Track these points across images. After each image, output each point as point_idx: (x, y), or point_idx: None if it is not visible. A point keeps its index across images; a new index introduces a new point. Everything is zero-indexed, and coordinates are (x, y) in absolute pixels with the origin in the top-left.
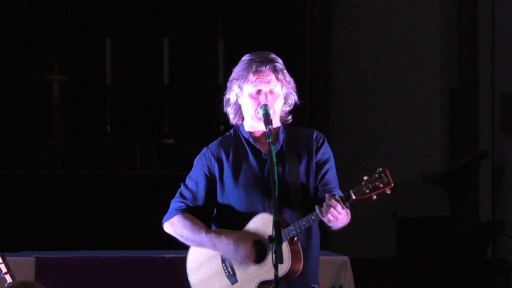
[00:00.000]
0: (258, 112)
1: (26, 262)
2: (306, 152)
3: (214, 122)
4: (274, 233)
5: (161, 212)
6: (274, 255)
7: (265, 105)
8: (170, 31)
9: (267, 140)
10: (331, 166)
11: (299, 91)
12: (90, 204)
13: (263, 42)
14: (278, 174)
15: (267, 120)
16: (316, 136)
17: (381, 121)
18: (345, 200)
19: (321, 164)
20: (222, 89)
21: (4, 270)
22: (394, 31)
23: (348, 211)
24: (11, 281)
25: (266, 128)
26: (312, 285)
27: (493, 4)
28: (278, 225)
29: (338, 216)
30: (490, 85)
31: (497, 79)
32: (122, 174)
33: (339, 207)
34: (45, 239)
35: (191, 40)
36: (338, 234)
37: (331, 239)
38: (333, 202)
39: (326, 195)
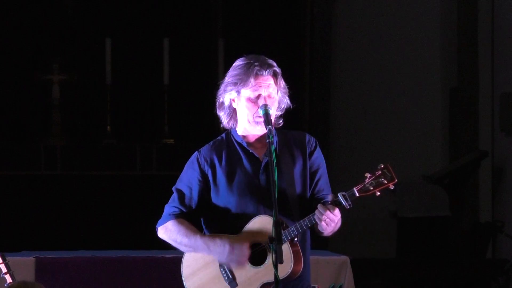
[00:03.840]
0: (256, 117)
1: (26, 262)
2: (300, 154)
3: (214, 122)
4: (274, 233)
5: (161, 212)
6: (274, 255)
7: (265, 105)
8: (170, 31)
9: (267, 140)
10: (323, 172)
11: (299, 91)
12: (90, 204)
13: (263, 42)
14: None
15: (267, 120)
16: (308, 140)
17: (381, 121)
18: (348, 198)
19: (314, 171)
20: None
21: (4, 270)
22: (394, 31)
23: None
24: (11, 281)
25: (266, 128)
26: (312, 285)
27: (493, 4)
28: (278, 225)
29: (335, 219)
30: (490, 85)
31: (497, 79)
32: (122, 174)
33: (336, 211)
34: (45, 239)
35: (191, 40)
36: (338, 234)
37: (331, 239)
38: (330, 206)
39: (326, 200)
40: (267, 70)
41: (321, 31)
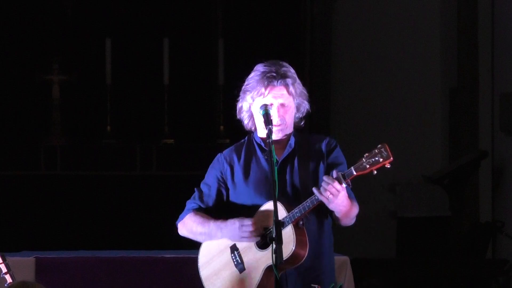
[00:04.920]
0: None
1: (26, 262)
2: (318, 155)
3: (214, 122)
4: (274, 233)
5: (162, 212)
6: (274, 255)
7: (265, 105)
8: (170, 31)
9: (268, 140)
10: (343, 169)
11: None
12: (90, 204)
13: (263, 42)
14: (288, 175)
15: (267, 120)
16: (328, 141)
17: (381, 121)
18: (346, 177)
19: (333, 166)
20: (222, 89)
21: (4, 270)
22: (394, 31)
23: (355, 202)
24: (11, 281)
25: (266, 128)
26: (312, 285)
27: (493, 4)
28: (278, 225)
29: (337, 195)
30: (490, 85)
31: (497, 79)
32: (122, 174)
33: (336, 184)
34: (45, 239)
35: (191, 40)
36: (338, 234)
37: None
38: (330, 179)
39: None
40: (279, 81)
41: (321, 31)
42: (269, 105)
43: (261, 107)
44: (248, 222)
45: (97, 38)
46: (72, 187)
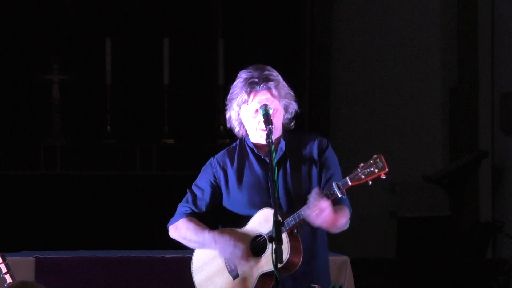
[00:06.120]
0: (258, 129)
1: (26, 262)
2: (309, 157)
3: (214, 122)
4: (274, 233)
5: (161, 212)
6: (274, 255)
7: (265, 105)
8: (170, 31)
9: (268, 140)
10: (335, 171)
11: (299, 91)
12: (90, 204)
13: (263, 43)
14: (280, 179)
15: (267, 119)
16: (319, 142)
17: (381, 121)
18: (341, 187)
19: (326, 170)
20: (222, 89)
21: (4, 270)
22: (394, 31)
23: (346, 212)
24: (11, 281)
25: (266, 128)
26: (312, 285)
27: (493, 4)
28: (278, 225)
29: (321, 207)
30: (490, 85)
31: (497, 79)
32: (122, 174)
33: (322, 202)
34: (45, 239)
35: (191, 40)
36: (338, 234)
37: (331, 239)
38: (316, 197)
39: (313, 191)
40: (261, 85)
41: (321, 32)
42: (268, 105)
43: (261, 107)
44: (240, 245)
45: (97, 38)
46: (72, 187)
